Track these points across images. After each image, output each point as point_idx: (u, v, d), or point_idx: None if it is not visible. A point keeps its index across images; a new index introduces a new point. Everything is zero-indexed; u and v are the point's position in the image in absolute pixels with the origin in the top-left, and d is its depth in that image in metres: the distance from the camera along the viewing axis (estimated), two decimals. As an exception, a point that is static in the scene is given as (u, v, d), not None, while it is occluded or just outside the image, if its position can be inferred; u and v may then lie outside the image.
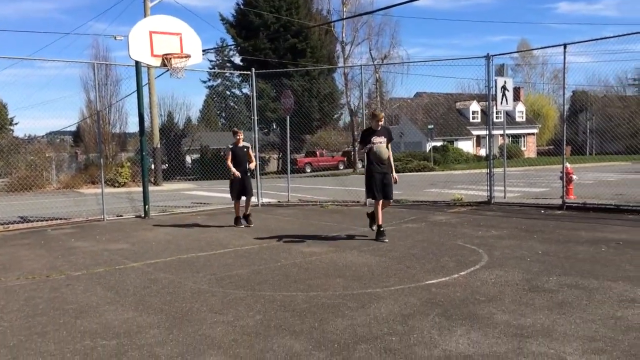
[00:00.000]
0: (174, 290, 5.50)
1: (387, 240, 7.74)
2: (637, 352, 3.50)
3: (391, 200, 8.25)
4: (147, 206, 11.69)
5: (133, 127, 44.25)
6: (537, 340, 3.78)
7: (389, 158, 7.84)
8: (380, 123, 7.85)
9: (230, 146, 9.90)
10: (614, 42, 10.71)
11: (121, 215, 11.94)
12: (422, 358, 3.54)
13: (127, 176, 24.49)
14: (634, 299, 4.62)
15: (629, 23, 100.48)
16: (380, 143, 7.72)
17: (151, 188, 15.30)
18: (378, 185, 7.79)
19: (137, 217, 11.80)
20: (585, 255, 6.42)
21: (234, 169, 9.72)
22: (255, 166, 13.42)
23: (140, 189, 12.31)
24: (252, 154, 10.27)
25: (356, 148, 35.93)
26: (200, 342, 3.99)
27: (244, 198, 10.04)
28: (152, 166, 25.44)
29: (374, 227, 8.09)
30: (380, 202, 7.85)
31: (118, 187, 23.52)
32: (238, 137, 9.92)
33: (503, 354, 3.56)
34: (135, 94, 11.88)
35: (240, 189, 9.82)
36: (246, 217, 9.99)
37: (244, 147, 9.93)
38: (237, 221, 9.98)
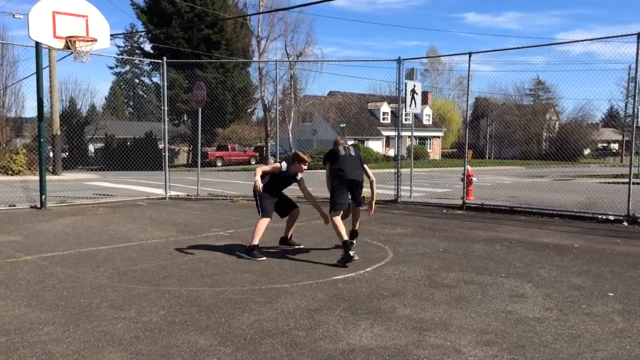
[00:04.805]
0: (71, 285, 5.22)
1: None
2: (524, 344, 3.77)
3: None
4: (44, 196, 11.00)
5: (30, 111, 41.59)
6: (435, 333, 3.97)
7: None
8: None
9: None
10: (514, 54, 11.58)
11: (14, 205, 11.16)
12: (327, 352, 3.61)
13: (23, 164, 22.90)
14: (523, 294, 4.97)
15: (528, 37, 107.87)
16: None
17: (50, 177, 14.44)
18: None
19: (32, 207, 11.08)
20: (482, 253, 6.81)
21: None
22: (164, 157, 13.05)
23: (37, 177, 11.55)
24: None
25: (269, 143, 35.85)
26: (99, 339, 3.81)
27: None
28: (51, 154, 24.02)
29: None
30: None
31: (12, 175, 21.95)
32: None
33: (403, 346, 3.71)
34: (34, 77, 11.17)
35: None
36: (289, 238, 7.36)
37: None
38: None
